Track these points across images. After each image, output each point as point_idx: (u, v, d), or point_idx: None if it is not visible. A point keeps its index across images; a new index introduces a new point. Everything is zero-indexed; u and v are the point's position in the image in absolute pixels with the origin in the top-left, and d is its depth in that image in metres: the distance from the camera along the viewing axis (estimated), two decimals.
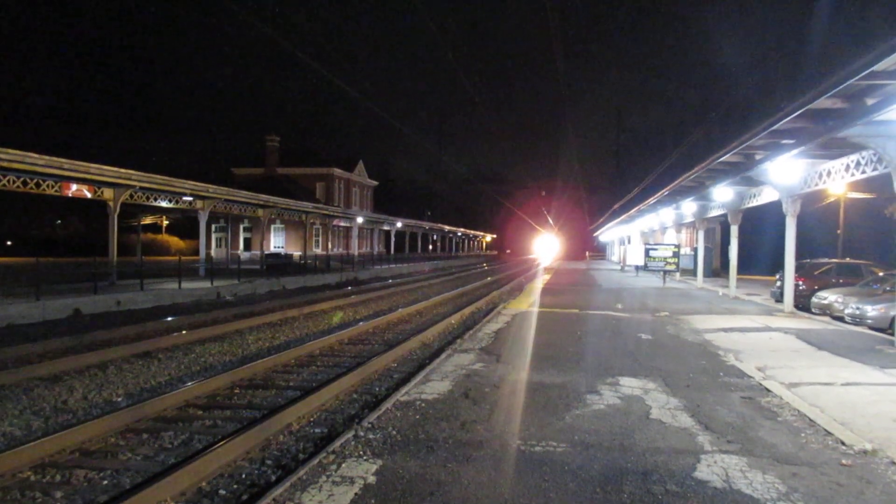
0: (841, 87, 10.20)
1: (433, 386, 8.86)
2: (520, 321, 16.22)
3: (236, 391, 9.67)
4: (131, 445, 7.12)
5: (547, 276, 40.31)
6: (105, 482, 6.04)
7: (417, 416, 7.35)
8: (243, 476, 6.21)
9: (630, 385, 9.10)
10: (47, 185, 23.51)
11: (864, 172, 14.46)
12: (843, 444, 6.56)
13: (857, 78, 9.70)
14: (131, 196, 27.35)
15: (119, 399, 9.24)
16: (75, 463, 6.48)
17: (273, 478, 6.08)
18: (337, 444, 6.25)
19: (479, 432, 6.81)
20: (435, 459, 5.93)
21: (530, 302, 21.49)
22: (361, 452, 6.06)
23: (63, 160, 22.30)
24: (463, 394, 8.45)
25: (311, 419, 8.17)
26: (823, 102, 11.31)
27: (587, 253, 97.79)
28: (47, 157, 21.56)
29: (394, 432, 6.73)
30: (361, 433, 6.64)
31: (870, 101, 11.11)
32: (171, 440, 7.31)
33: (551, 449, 6.27)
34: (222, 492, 5.82)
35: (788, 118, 12.34)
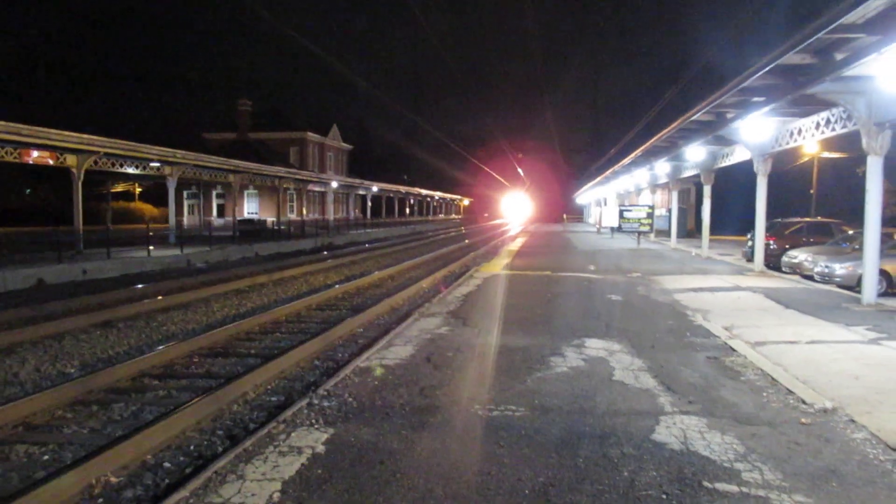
0: (810, 41, 10.01)
1: (395, 351, 8.70)
2: (491, 284, 16.09)
3: (195, 360, 9.43)
4: (79, 419, 6.87)
5: (522, 239, 40.23)
6: (46, 457, 5.80)
7: (376, 383, 7.18)
8: (192, 448, 6.00)
9: (595, 347, 9.00)
10: (6, 152, 22.74)
11: (833, 130, 14.36)
12: (803, 402, 6.51)
13: (825, 31, 9.51)
14: (95, 163, 26.60)
15: (72, 371, 8.97)
16: (17, 438, 6.23)
17: (221, 449, 5.89)
18: (289, 412, 6.06)
19: (437, 398, 6.66)
20: (389, 427, 5.78)
21: (503, 264, 21.37)
22: (314, 421, 5.89)
23: (21, 126, 21.56)
24: (425, 358, 8.30)
25: (269, 387, 7.97)
26: (793, 58, 11.12)
27: (564, 215, 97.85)
28: (3, 123, 20.81)
29: (350, 399, 6.56)
30: (316, 401, 6.45)
31: (839, 56, 10.93)
32: (122, 412, 7.08)
33: (510, 413, 6.14)
34: (167, 465, 5.61)
35: (758, 74, 12.15)
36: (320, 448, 5.25)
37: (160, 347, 9.71)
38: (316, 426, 5.76)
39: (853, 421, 5.97)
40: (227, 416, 6.90)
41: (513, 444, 5.39)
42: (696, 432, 5.65)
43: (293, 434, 5.56)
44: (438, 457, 5.13)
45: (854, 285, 14.66)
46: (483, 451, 5.27)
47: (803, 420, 6.01)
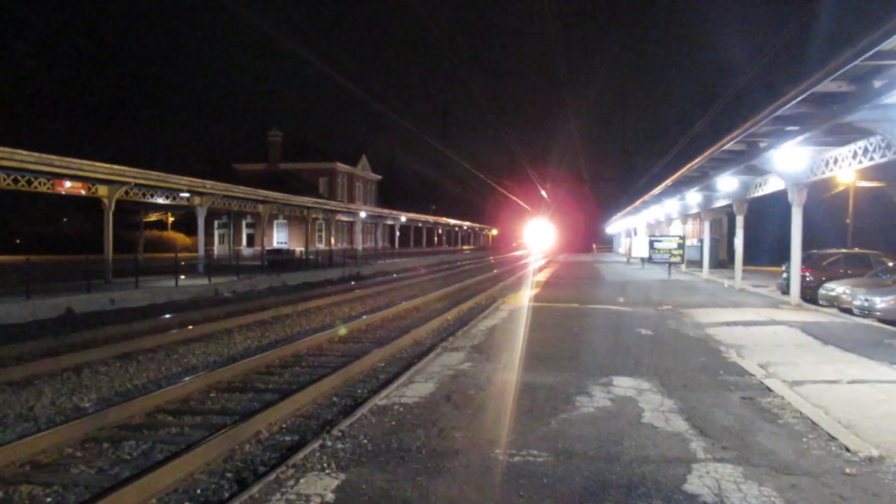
0: (846, 68, 9.68)
1: (416, 388, 8.41)
2: (516, 317, 15.75)
3: (212, 395, 9.24)
4: (88, 457, 6.70)
5: (550, 269, 39.78)
6: (49, 500, 5.62)
7: (393, 423, 6.90)
8: (198, 492, 5.76)
9: (624, 385, 8.62)
10: (39, 183, 23.14)
11: (871, 159, 13.90)
12: (847, 450, 6.08)
13: (862, 58, 9.17)
14: (126, 193, 26.99)
15: (88, 405, 8.83)
16: (22, 478, 6.05)
17: (227, 494, 5.64)
18: (299, 455, 5.80)
19: (456, 440, 6.36)
20: (405, 472, 5.49)
21: (530, 296, 21.00)
22: (325, 465, 5.61)
23: (53, 157, 21.95)
24: (445, 397, 8.00)
25: (284, 426, 7.72)
26: (828, 85, 10.78)
27: (594, 245, 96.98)
28: (37, 154, 21.22)
29: (365, 441, 6.28)
30: (329, 443, 6.19)
31: (877, 84, 10.55)
32: (132, 450, 6.88)
33: (532, 459, 5.82)
34: None
35: (792, 103, 11.81)
36: (329, 497, 4.97)
37: (178, 381, 9.55)
38: (327, 471, 5.49)
39: None
40: (238, 456, 6.65)
41: (534, 493, 5.07)
42: (732, 483, 5.27)
43: (302, 480, 5.29)
44: None
45: None
46: (502, 500, 4.96)
47: (848, 470, 5.59)
